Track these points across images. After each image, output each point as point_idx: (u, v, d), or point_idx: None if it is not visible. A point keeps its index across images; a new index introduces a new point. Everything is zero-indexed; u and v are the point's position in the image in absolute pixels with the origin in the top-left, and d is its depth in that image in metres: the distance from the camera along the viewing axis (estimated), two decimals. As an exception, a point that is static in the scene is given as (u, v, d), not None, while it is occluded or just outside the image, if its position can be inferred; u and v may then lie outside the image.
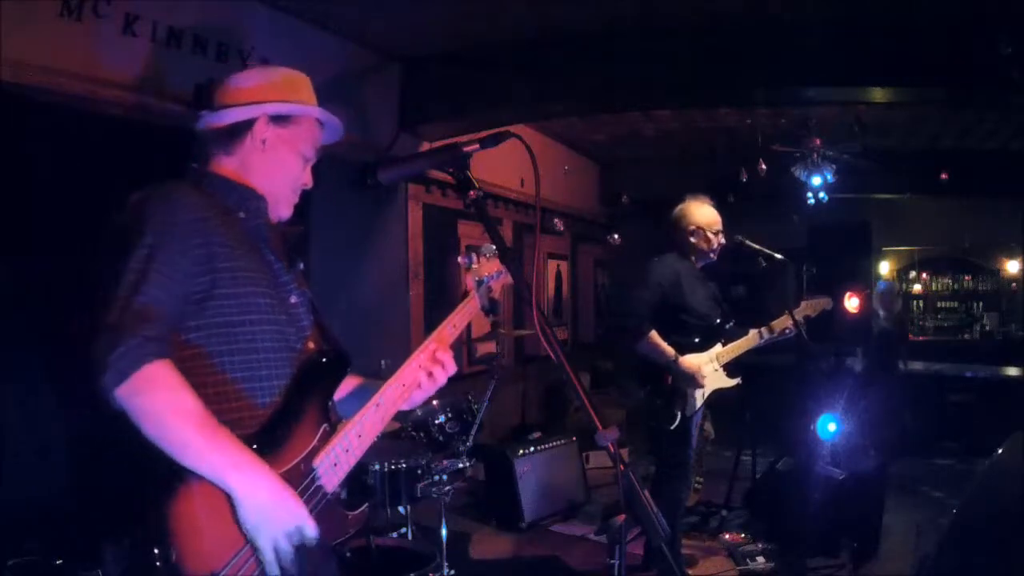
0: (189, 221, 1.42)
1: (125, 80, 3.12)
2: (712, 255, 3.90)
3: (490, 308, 1.82)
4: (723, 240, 3.91)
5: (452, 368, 1.70)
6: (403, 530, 3.47)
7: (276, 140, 1.61)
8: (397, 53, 4.78)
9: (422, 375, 1.66)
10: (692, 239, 3.86)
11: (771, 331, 3.84)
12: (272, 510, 1.34)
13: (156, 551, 1.28)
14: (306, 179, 1.68)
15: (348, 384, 1.75)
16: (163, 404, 1.30)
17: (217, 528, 1.33)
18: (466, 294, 1.80)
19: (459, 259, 1.77)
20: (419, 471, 3.07)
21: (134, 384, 1.28)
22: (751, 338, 3.84)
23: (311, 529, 1.39)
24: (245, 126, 1.58)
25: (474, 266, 1.80)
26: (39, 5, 2.79)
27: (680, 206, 3.94)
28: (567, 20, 4.22)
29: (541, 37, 4.43)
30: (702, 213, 3.89)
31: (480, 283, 1.79)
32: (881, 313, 7.25)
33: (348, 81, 4.45)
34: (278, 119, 1.61)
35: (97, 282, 1.37)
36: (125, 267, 1.35)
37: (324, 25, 4.17)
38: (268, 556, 1.35)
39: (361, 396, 1.66)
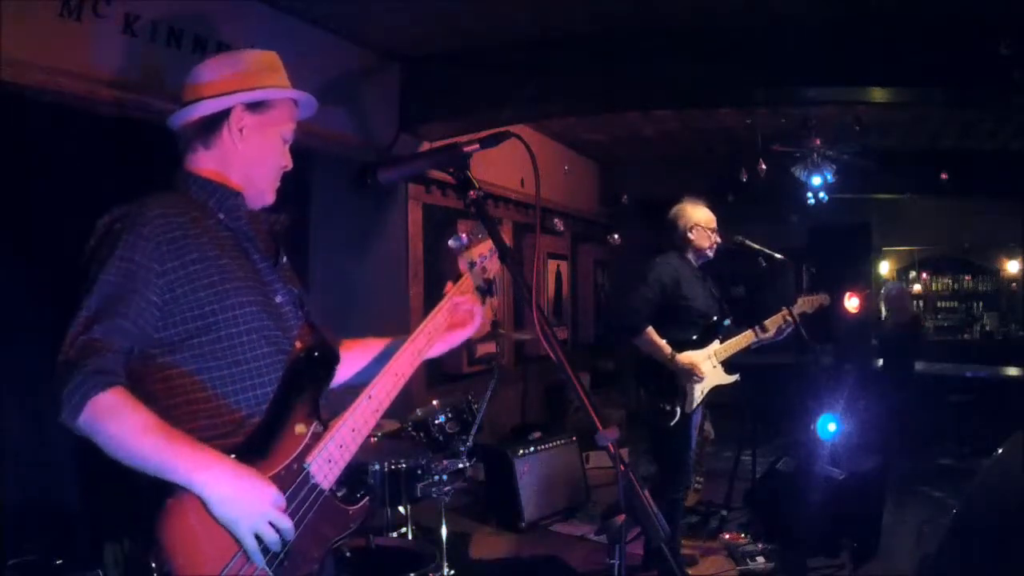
0: (158, 244, 1.41)
1: (125, 80, 3.12)
2: (710, 252, 3.98)
3: (486, 289, 1.81)
4: (719, 239, 3.99)
5: (480, 311, 1.76)
6: (403, 530, 3.47)
7: (254, 127, 1.59)
8: (397, 53, 4.78)
9: (418, 359, 1.67)
10: (691, 235, 3.93)
11: (764, 330, 3.92)
12: (241, 499, 1.33)
13: (153, 564, 1.28)
14: (286, 161, 1.67)
15: (374, 347, 1.78)
16: (117, 428, 1.31)
17: (210, 534, 1.33)
18: (459, 277, 1.79)
19: (449, 242, 1.76)
20: (419, 471, 3.07)
21: (87, 416, 1.30)
22: (747, 336, 3.92)
23: (283, 506, 1.38)
24: (221, 117, 1.57)
25: (465, 248, 1.78)
26: (39, 5, 2.79)
27: (677, 207, 4.02)
28: (567, 20, 4.22)
29: (541, 37, 4.43)
30: (699, 212, 3.97)
31: (472, 264, 1.78)
32: (888, 314, 7.25)
33: (348, 81, 4.45)
34: (254, 106, 1.59)
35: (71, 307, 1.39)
36: (83, 302, 1.37)
37: (324, 25, 4.16)
38: (251, 546, 1.34)
39: (387, 356, 1.67)
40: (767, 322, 3.92)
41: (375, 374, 1.60)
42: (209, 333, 1.44)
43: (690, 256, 3.96)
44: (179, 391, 1.43)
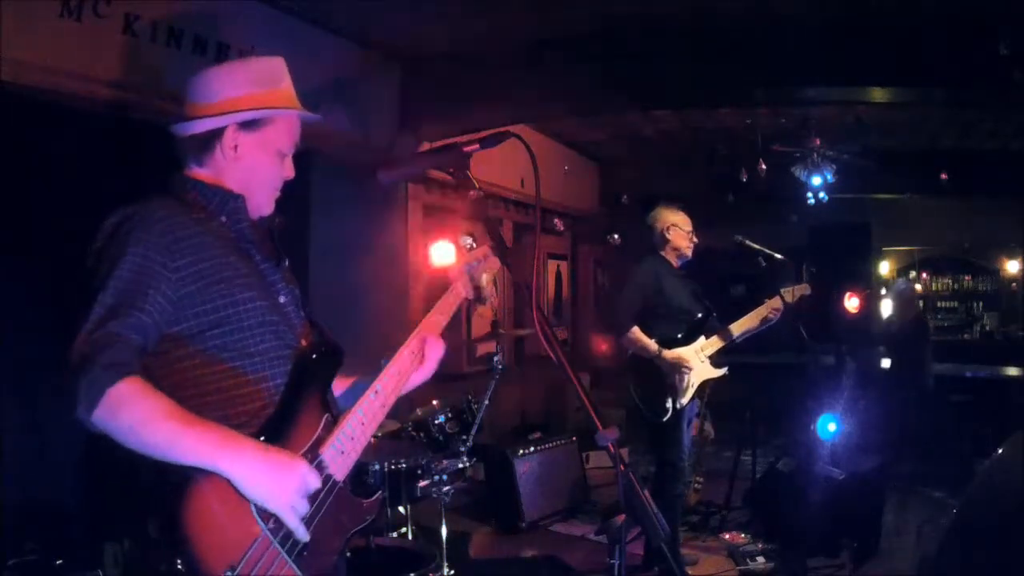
0: (167, 241, 1.42)
1: (125, 80, 3.12)
2: (688, 252, 4.11)
3: (475, 297, 1.83)
4: (695, 239, 4.12)
5: (441, 349, 1.74)
6: (403, 530, 3.47)
7: (248, 146, 1.59)
8: (397, 53, 4.78)
9: (415, 360, 1.70)
10: (668, 235, 4.08)
11: (729, 335, 3.98)
12: (273, 475, 1.35)
13: (177, 559, 1.28)
14: (287, 172, 1.67)
15: (341, 383, 1.76)
16: (136, 416, 1.31)
17: (231, 522, 1.34)
18: (450, 284, 1.82)
19: (431, 251, 1.79)
20: (419, 471, 3.07)
21: (104, 409, 1.29)
22: (727, 332, 4.01)
23: (315, 479, 1.40)
24: (214, 136, 1.57)
25: (455, 256, 1.81)
26: (39, 5, 2.79)
27: (653, 211, 4.19)
28: (567, 20, 4.22)
29: (541, 37, 4.43)
30: (675, 215, 4.14)
31: (462, 272, 1.82)
32: (896, 314, 7.24)
33: (348, 81, 4.45)
34: (248, 124, 1.58)
35: (76, 307, 1.38)
36: (95, 298, 1.36)
37: (324, 25, 4.16)
38: (292, 521, 1.37)
39: (355, 392, 1.67)
40: (732, 326, 3.99)
41: (349, 404, 1.61)
42: (221, 327, 1.46)
43: (670, 257, 4.09)
44: (190, 384, 1.44)
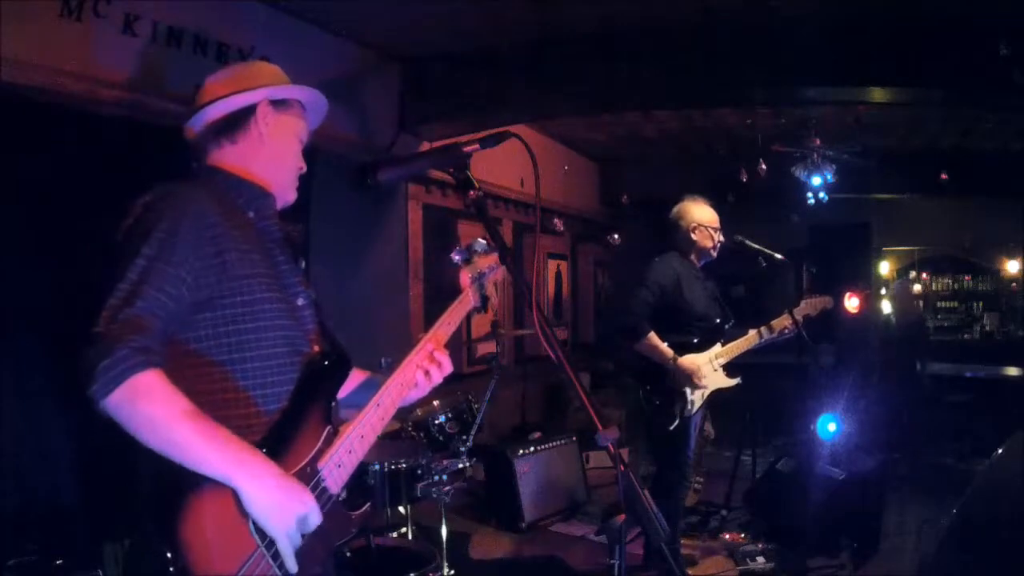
0: (198, 227, 1.41)
1: (125, 80, 3.12)
2: (713, 253, 3.94)
3: (480, 306, 1.83)
4: (722, 238, 3.96)
5: (449, 367, 1.71)
6: (403, 530, 3.47)
7: (277, 124, 1.63)
8: (397, 53, 4.78)
9: (419, 374, 1.67)
10: (694, 236, 3.89)
11: (771, 331, 3.87)
12: (280, 500, 1.34)
13: (169, 556, 1.27)
14: (301, 163, 1.71)
15: (355, 377, 1.76)
16: (156, 411, 1.28)
17: (229, 533, 1.33)
18: (460, 291, 1.80)
19: (452, 256, 1.78)
20: (419, 471, 3.07)
21: (123, 394, 1.25)
22: (750, 338, 3.88)
23: (317, 516, 1.40)
24: (248, 112, 1.60)
25: (468, 263, 1.80)
26: (39, 5, 2.79)
27: (679, 206, 3.98)
28: (567, 20, 4.22)
29: (541, 37, 4.43)
30: (702, 212, 3.93)
31: (473, 280, 1.80)
32: (894, 313, 7.25)
33: (348, 81, 4.45)
34: (277, 103, 1.63)
35: (100, 286, 1.36)
36: (122, 275, 1.34)
37: (324, 25, 4.16)
38: (287, 549, 1.35)
39: (368, 389, 1.67)
40: (774, 323, 3.87)
41: (358, 403, 1.61)
42: (236, 323, 1.45)
43: (692, 257, 3.92)
44: (203, 380, 1.42)
